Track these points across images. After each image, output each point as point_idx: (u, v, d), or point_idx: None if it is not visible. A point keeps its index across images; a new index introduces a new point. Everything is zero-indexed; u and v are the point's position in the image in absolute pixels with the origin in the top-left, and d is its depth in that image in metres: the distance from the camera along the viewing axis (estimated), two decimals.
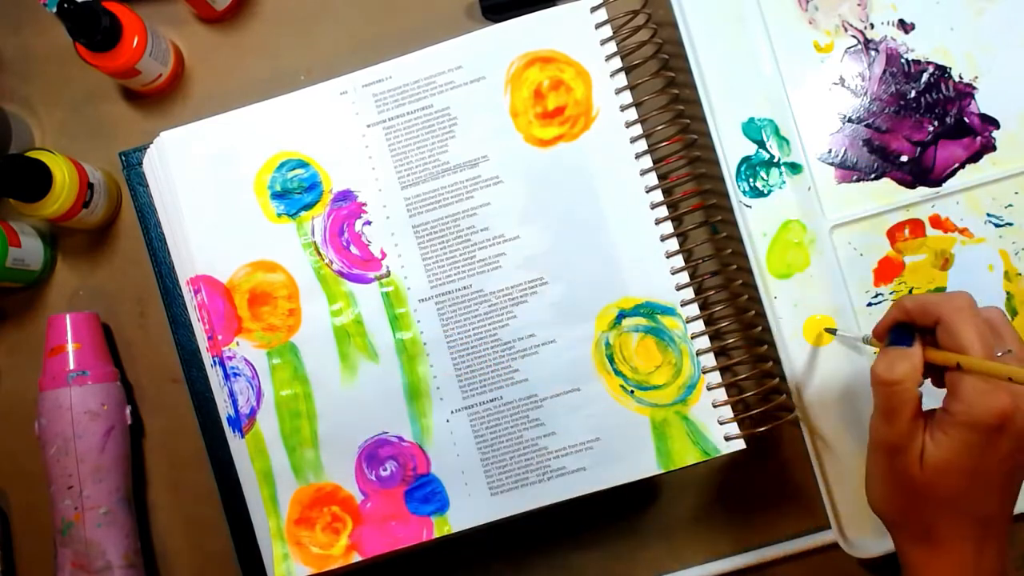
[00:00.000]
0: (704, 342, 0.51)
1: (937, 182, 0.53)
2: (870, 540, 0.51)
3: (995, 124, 0.53)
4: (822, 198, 0.52)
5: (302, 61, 0.58)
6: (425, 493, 0.52)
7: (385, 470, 0.52)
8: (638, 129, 0.52)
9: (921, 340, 0.40)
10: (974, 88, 0.53)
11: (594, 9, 0.53)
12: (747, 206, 0.53)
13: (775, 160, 0.53)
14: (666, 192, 0.53)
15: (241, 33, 0.59)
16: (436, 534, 0.52)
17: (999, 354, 0.40)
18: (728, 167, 0.52)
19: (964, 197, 0.52)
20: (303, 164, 0.53)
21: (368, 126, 0.53)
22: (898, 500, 0.41)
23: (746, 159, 0.53)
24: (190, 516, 0.57)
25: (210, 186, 0.53)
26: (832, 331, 0.51)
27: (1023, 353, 0.41)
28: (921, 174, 0.53)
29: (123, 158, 0.57)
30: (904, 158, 0.53)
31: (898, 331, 0.41)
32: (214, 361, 0.53)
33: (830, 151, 0.53)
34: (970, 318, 0.39)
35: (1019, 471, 0.40)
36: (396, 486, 0.52)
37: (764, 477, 0.55)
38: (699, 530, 0.55)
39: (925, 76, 0.53)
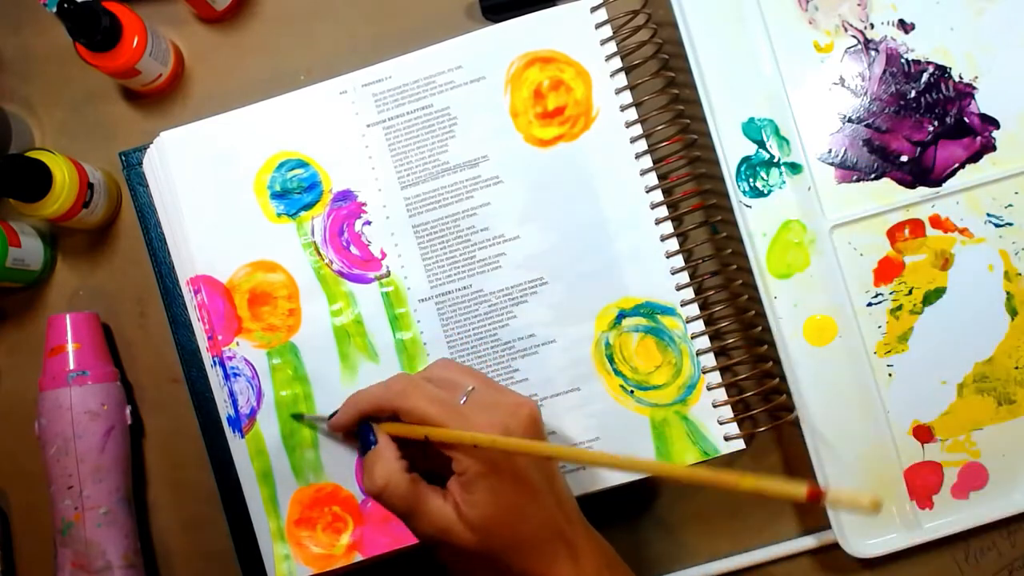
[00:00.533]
0: (704, 342, 0.51)
1: (937, 182, 0.53)
2: (870, 540, 0.51)
3: (995, 124, 0.53)
4: (822, 198, 0.52)
5: (302, 61, 0.58)
6: None
7: None
8: (638, 129, 0.52)
9: (382, 428, 0.43)
10: (974, 88, 0.53)
11: (594, 9, 0.53)
12: (747, 206, 0.52)
13: (775, 160, 0.53)
14: (666, 192, 0.53)
15: (241, 33, 0.59)
16: None
17: (463, 399, 0.42)
18: (728, 167, 0.52)
19: (964, 197, 0.52)
20: (303, 164, 0.53)
21: (368, 126, 0.53)
22: (480, 572, 0.42)
23: (746, 159, 0.53)
24: (190, 516, 0.57)
25: (210, 186, 0.53)
26: (298, 417, 0.52)
27: (483, 382, 0.44)
28: (921, 174, 0.53)
29: (123, 158, 0.57)
30: (904, 158, 0.53)
31: (364, 430, 0.44)
32: (214, 361, 0.53)
33: (830, 151, 0.53)
34: (414, 392, 0.42)
35: (555, 481, 0.42)
36: None
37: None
38: (699, 530, 0.55)
39: (925, 76, 0.53)
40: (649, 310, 0.52)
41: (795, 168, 0.53)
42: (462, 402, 0.42)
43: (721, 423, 0.51)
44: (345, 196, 0.53)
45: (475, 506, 0.40)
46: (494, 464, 0.40)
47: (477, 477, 0.40)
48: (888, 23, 0.53)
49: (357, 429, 0.45)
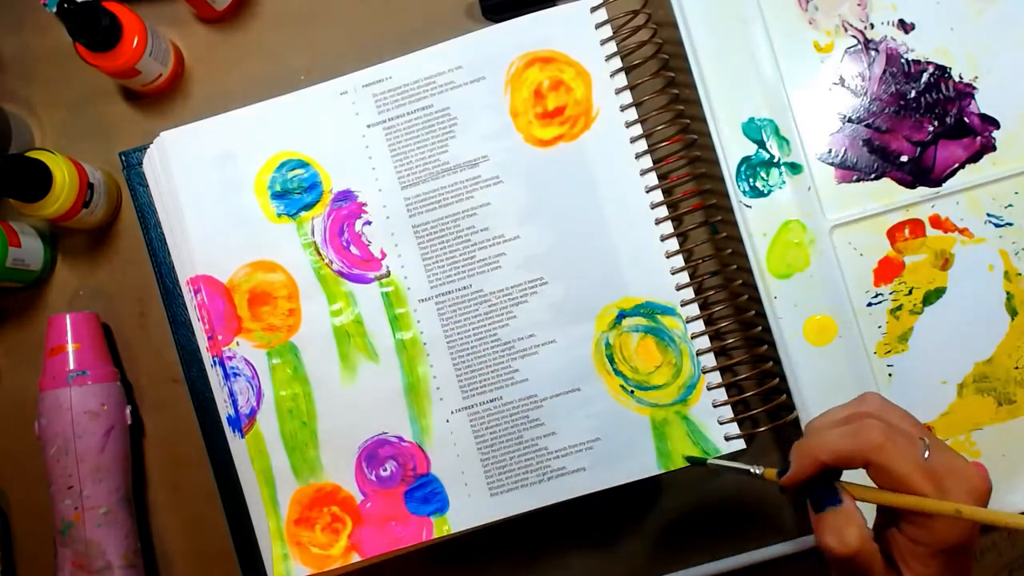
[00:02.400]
0: (704, 342, 0.51)
1: (937, 182, 0.53)
2: None
3: (995, 124, 0.53)
4: (822, 198, 0.52)
5: (302, 61, 0.58)
6: (425, 493, 0.52)
7: (385, 470, 0.52)
8: (638, 129, 0.52)
9: (848, 491, 0.37)
10: (974, 88, 0.53)
11: (594, 9, 0.53)
12: (747, 206, 0.52)
13: (775, 160, 0.53)
14: (666, 192, 0.53)
15: (241, 33, 0.59)
16: (436, 534, 0.52)
17: (925, 456, 0.36)
18: (728, 167, 0.52)
19: (964, 197, 0.52)
20: (303, 164, 0.53)
21: (368, 126, 0.53)
22: None
23: (746, 159, 0.53)
24: (190, 516, 0.57)
25: (210, 186, 0.53)
26: (699, 461, 0.48)
27: (928, 434, 0.37)
28: (921, 174, 0.53)
29: (123, 158, 0.57)
30: (904, 158, 0.53)
31: (818, 488, 0.38)
32: (214, 361, 0.53)
33: (830, 151, 0.53)
34: (894, 448, 0.35)
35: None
36: (396, 486, 0.52)
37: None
38: (699, 530, 0.55)
39: (925, 76, 0.53)
40: (649, 310, 0.52)
41: (795, 168, 0.53)
42: (925, 456, 0.36)
43: (721, 423, 0.51)
44: (345, 196, 0.53)
45: None
46: (956, 544, 0.35)
47: (940, 552, 0.35)
48: (888, 23, 0.53)
49: (807, 483, 0.38)
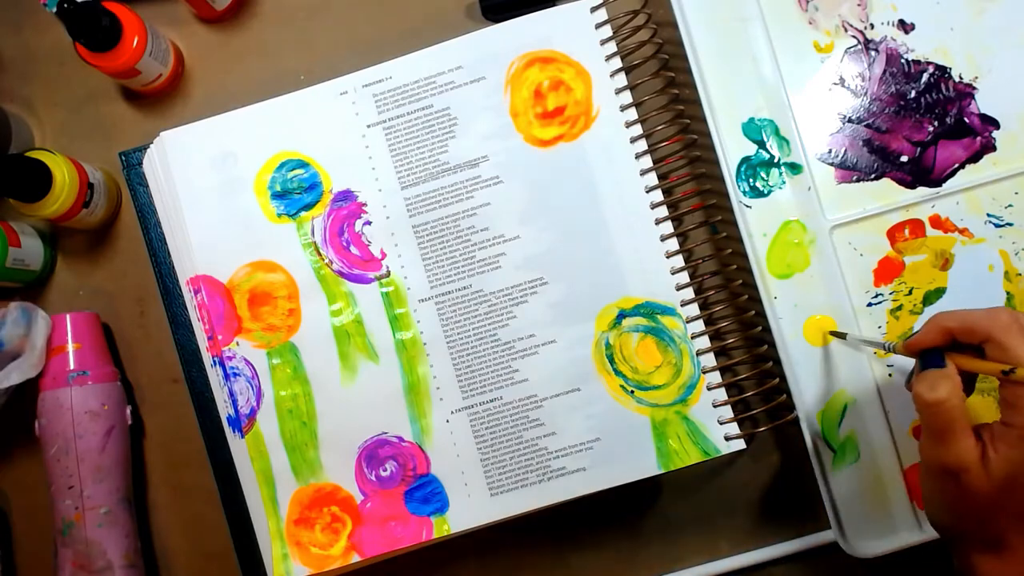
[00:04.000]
0: (704, 342, 0.51)
1: (937, 182, 0.53)
2: (870, 540, 0.51)
3: (995, 124, 0.53)
4: (822, 198, 0.52)
5: (302, 61, 0.58)
6: (425, 493, 0.52)
7: (385, 470, 0.52)
8: (638, 129, 0.52)
9: (952, 356, 0.40)
10: (974, 88, 0.53)
11: (594, 9, 0.53)
12: (747, 206, 0.52)
13: (775, 160, 0.53)
14: (666, 192, 0.53)
15: (241, 33, 0.59)
16: (436, 534, 0.52)
17: None
18: (728, 167, 0.52)
19: (964, 197, 0.52)
20: (303, 164, 0.53)
21: (368, 126, 0.53)
22: (966, 517, 0.40)
23: (746, 159, 0.53)
24: (190, 516, 0.57)
25: (210, 186, 0.53)
26: (840, 335, 0.51)
27: None
28: (921, 174, 0.53)
29: (123, 158, 0.57)
30: (904, 158, 0.53)
31: (928, 353, 0.41)
32: (214, 361, 0.53)
33: (830, 151, 0.53)
34: (1019, 333, 0.38)
35: None
36: (396, 486, 0.52)
37: (764, 477, 0.55)
38: (699, 530, 0.55)
39: (925, 76, 0.53)
40: (649, 310, 0.52)
41: (795, 168, 0.53)
42: None
43: (721, 423, 0.51)
44: (345, 196, 0.53)
45: (1010, 463, 0.38)
46: None
47: None
48: (888, 23, 0.53)
49: (925, 349, 0.41)
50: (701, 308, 0.52)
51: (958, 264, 0.52)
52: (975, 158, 0.53)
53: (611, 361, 0.52)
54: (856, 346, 0.51)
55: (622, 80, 0.52)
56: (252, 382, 0.52)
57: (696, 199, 0.54)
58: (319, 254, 0.53)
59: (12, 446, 0.57)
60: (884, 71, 0.53)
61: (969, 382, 0.41)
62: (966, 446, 0.39)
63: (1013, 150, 0.52)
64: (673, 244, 0.52)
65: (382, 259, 0.53)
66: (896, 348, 0.44)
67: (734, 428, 0.51)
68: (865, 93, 0.53)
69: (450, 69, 0.53)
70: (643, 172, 0.52)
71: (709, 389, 0.51)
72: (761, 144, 0.53)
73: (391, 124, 0.53)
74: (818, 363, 0.52)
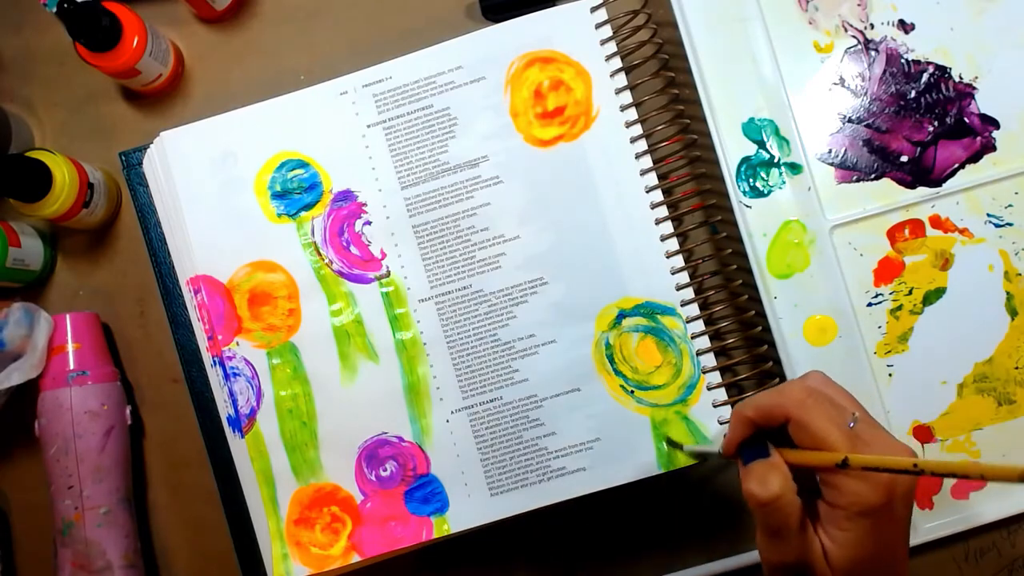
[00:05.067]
0: (704, 342, 0.51)
1: (937, 182, 0.53)
2: None
3: (995, 124, 0.53)
4: (822, 198, 0.52)
5: (302, 61, 0.58)
6: (425, 493, 0.52)
7: (385, 470, 0.52)
8: (638, 129, 0.52)
9: (777, 449, 0.38)
10: (974, 88, 0.53)
11: (594, 9, 0.53)
12: (747, 206, 0.52)
13: (775, 160, 0.53)
14: (666, 192, 0.53)
15: (241, 33, 0.59)
16: (436, 534, 0.52)
17: (850, 425, 0.37)
18: (728, 167, 0.52)
19: (964, 197, 0.52)
20: (303, 164, 0.53)
21: (368, 126, 0.53)
22: None
23: (746, 159, 0.53)
24: (190, 516, 0.57)
25: (210, 186, 0.53)
26: (677, 445, 0.50)
27: (863, 412, 0.38)
28: (921, 174, 0.53)
29: (123, 158, 0.57)
30: (904, 158, 0.53)
31: (749, 444, 0.39)
32: (214, 361, 0.53)
33: (830, 151, 0.53)
34: (815, 407, 0.37)
35: (908, 522, 0.39)
36: (396, 486, 0.52)
37: None
38: (699, 530, 0.55)
39: (925, 76, 0.53)
40: (649, 310, 0.52)
41: (795, 168, 0.53)
42: (850, 427, 0.37)
43: (722, 423, 0.51)
44: (345, 196, 0.53)
45: (844, 546, 0.36)
46: (882, 505, 0.36)
47: (858, 515, 0.36)
48: (888, 23, 0.53)
49: (741, 444, 0.39)
50: (701, 308, 0.52)
51: (958, 264, 0.52)
52: (975, 158, 0.53)
53: (611, 361, 0.52)
54: (694, 455, 0.49)
55: (622, 80, 0.52)
56: (252, 382, 0.52)
57: (696, 199, 0.54)
58: (319, 254, 0.53)
59: (12, 446, 0.57)
60: (884, 71, 0.53)
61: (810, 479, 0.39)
62: (804, 543, 0.37)
63: (1013, 150, 0.52)
64: (673, 244, 0.52)
65: (382, 259, 0.53)
66: (722, 455, 0.41)
67: None
68: (865, 93, 0.53)
69: (450, 69, 0.53)
70: (643, 172, 0.52)
71: (709, 389, 0.51)
72: (761, 144, 0.53)
73: (391, 124, 0.53)
74: (818, 363, 0.52)
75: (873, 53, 0.53)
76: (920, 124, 0.53)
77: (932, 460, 0.34)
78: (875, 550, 0.37)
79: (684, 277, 0.52)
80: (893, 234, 0.52)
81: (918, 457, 0.35)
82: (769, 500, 0.37)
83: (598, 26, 0.52)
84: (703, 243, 0.54)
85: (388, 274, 0.53)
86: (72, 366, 0.53)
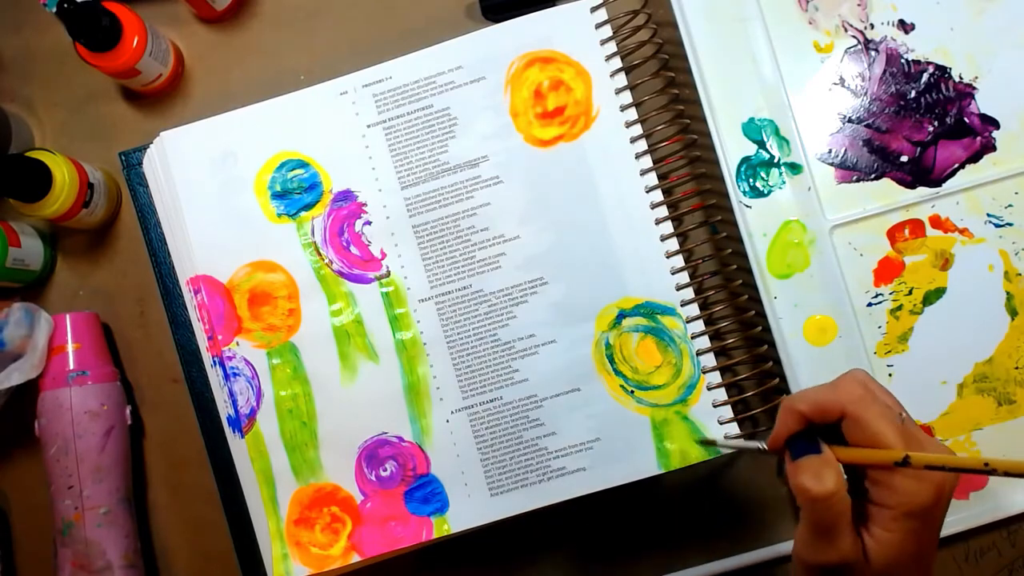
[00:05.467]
0: (704, 342, 0.51)
1: (937, 182, 0.53)
2: None
3: (995, 124, 0.53)
4: (822, 198, 0.52)
5: (302, 61, 0.58)
6: (425, 493, 0.52)
7: (385, 470, 0.52)
8: (638, 129, 0.52)
9: (829, 446, 0.37)
10: (974, 88, 0.53)
11: (594, 9, 0.53)
12: (747, 206, 0.52)
13: (775, 160, 0.53)
14: (666, 192, 0.53)
15: (241, 33, 0.59)
16: (436, 534, 0.52)
17: (900, 420, 0.37)
18: (728, 167, 0.52)
19: (964, 197, 0.52)
20: (303, 164, 0.53)
21: (368, 126, 0.53)
22: None
23: (746, 159, 0.53)
24: (190, 516, 0.57)
25: (210, 186, 0.53)
26: (710, 442, 0.49)
27: (907, 414, 0.38)
28: (921, 174, 0.53)
29: (123, 158, 0.57)
30: (904, 158, 0.53)
31: (799, 439, 0.38)
32: (214, 361, 0.53)
33: (830, 151, 0.53)
34: (873, 405, 0.36)
35: (942, 524, 0.38)
36: (396, 486, 0.52)
37: (764, 477, 0.55)
38: (699, 530, 0.55)
39: (925, 76, 0.53)
40: (649, 310, 0.52)
41: (795, 168, 0.53)
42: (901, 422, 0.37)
43: (721, 423, 0.51)
44: (345, 196, 0.53)
45: (887, 545, 0.36)
46: (931, 506, 0.35)
47: (905, 516, 0.35)
48: (888, 23, 0.53)
49: (792, 437, 0.38)
50: (701, 308, 0.52)
51: (958, 264, 0.52)
52: (975, 158, 0.53)
53: (611, 361, 0.52)
54: (733, 448, 0.49)
55: (622, 80, 0.52)
56: (252, 382, 0.52)
57: (696, 199, 0.54)
58: (319, 254, 0.53)
59: (12, 446, 0.57)
60: (884, 71, 0.53)
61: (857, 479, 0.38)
62: (851, 542, 0.36)
63: (1013, 150, 0.52)
64: (673, 244, 0.52)
65: (382, 259, 0.53)
66: (765, 449, 0.40)
67: (734, 428, 0.51)
68: (865, 93, 0.53)
69: (450, 69, 0.53)
70: (643, 172, 0.52)
71: (709, 389, 0.51)
72: (761, 144, 0.53)
73: (391, 124, 0.53)
74: (818, 363, 0.52)
75: (873, 53, 0.53)
76: (920, 124, 0.53)
77: (1003, 460, 0.33)
78: (914, 551, 0.36)
79: (684, 277, 0.52)
80: (893, 234, 0.52)
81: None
82: (824, 496, 0.36)
83: (598, 26, 0.52)
84: (703, 243, 0.54)
85: (388, 274, 0.53)
86: (72, 366, 0.53)
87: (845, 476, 0.36)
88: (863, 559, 0.36)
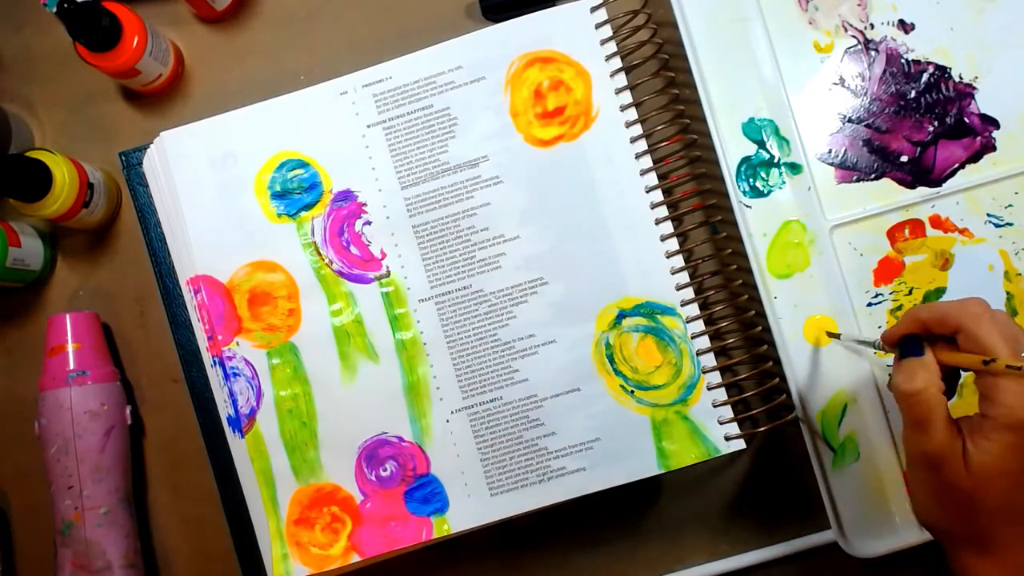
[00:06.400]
0: (704, 342, 0.51)
1: (937, 182, 0.53)
2: (870, 540, 0.51)
3: (995, 124, 0.53)
4: (822, 198, 0.52)
5: (302, 61, 0.58)
6: (425, 493, 0.52)
7: (385, 470, 0.52)
8: (638, 129, 0.52)
9: (931, 348, 0.40)
10: (974, 88, 0.53)
11: (594, 9, 0.53)
12: (747, 206, 0.52)
13: (775, 160, 0.53)
14: (666, 192, 0.53)
15: (241, 33, 0.59)
16: (436, 534, 0.52)
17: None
18: (728, 167, 0.52)
19: (964, 197, 0.52)
20: (303, 164, 0.53)
21: (368, 126, 0.53)
22: (949, 511, 0.40)
23: (746, 159, 0.53)
24: (190, 516, 0.57)
25: (210, 186, 0.53)
26: (834, 335, 0.51)
27: None
28: (921, 174, 0.53)
29: (123, 158, 0.57)
30: (904, 158, 0.53)
31: (906, 342, 0.41)
32: (214, 361, 0.53)
33: (830, 151, 0.53)
34: (990, 322, 0.38)
35: None
36: (396, 486, 0.52)
37: (764, 477, 0.55)
38: (699, 530, 0.55)
39: (925, 76, 0.53)
40: (649, 310, 0.52)
41: (795, 168, 0.53)
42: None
43: (721, 423, 0.51)
44: (345, 196, 0.53)
45: (987, 454, 0.38)
46: (1021, 421, 0.37)
47: (1005, 428, 0.37)
48: (888, 23, 0.53)
49: (902, 339, 0.41)
50: (701, 308, 0.52)
51: (958, 264, 0.52)
52: (975, 158, 0.53)
53: (611, 361, 0.52)
54: (851, 347, 0.51)
55: (622, 80, 0.52)
56: (252, 382, 0.52)
57: (696, 199, 0.54)
58: (319, 254, 0.53)
59: (12, 446, 0.57)
60: (884, 71, 0.53)
61: (952, 382, 0.41)
62: (945, 437, 0.39)
63: (1013, 150, 0.52)
64: (673, 244, 0.52)
65: (382, 259, 0.53)
66: (877, 345, 0.44)
67: (734, 428, 0.51)
68: (865, 93, 0.53)
69: (450, 69, 0.53)
70: (643, 172, 0.52)
71: (709, 389, 0.51)
72: (761, 144, 0.53)
73: (391, 124, 0.53)
74: (818, 363, 0.52)
75: (873, 53, 0.53)
76: (920, 124, 0.53)
77: None
78: (1017, 468, 0.38)
79: (684, 277, 0.52)
80: (893, 234, 0.52)
81: None
82: (912, 392, 0.39)
83: (598, 26, 0.52)
84: (703, 243, 0.54)
85: (388, 274, 0.53)
86: (72, 366, 0.53)
87: (943, 380, 0.39)
88: (959, 459, 0.38)
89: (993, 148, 0.53)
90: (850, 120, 0.53)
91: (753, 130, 0.53)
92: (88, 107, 0.59)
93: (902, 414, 0.40)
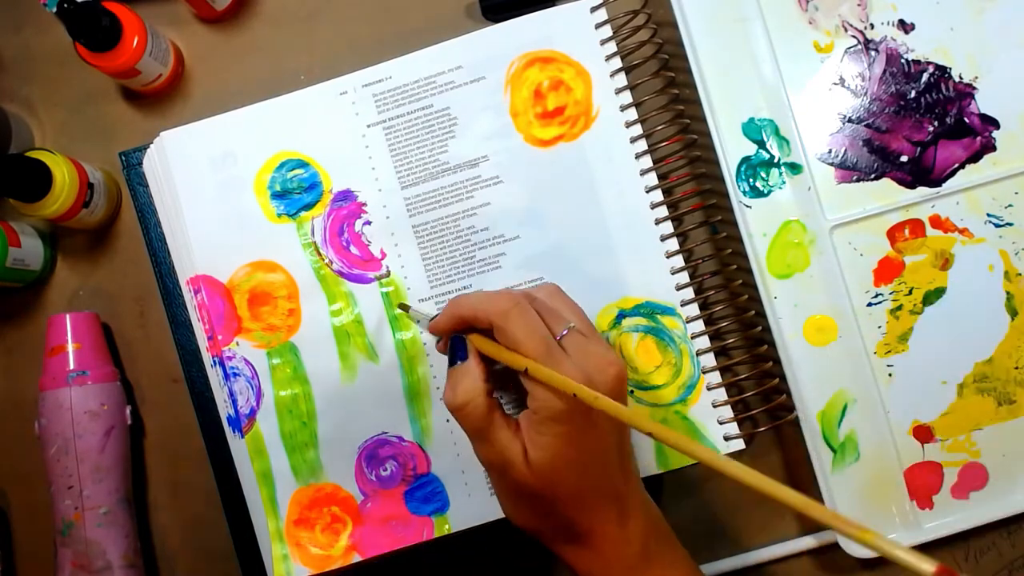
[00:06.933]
0: (704, 342, 0.51)
1: (937, 182, 0.53)
2: None
3: (995, 124, 0.53)
4: (822, 198, 0.52)
5: (302, 61, 0.58)
6: (425, 493, 0.52)
7: (385, 470, 0.52)
8: (638, 129, 0.52)
9: (477, 350, 0.42)
10: (974, 88, 0.53)
11: (594, 9, 0.53)
12: (747, 206, 0.52)
13: (775, 160, 0.53)
14: (666, 192, 0.53)
15: (241, 33, 0.59)
16: (436, 534, 0.52)
17: (564, 332, 0.40)
18: (728, 167, 0.52)
19: (964, 197, 0.52)
20: (303, 164, 0.53)
21: (368, 126, 0.53)
22: (531, 511, 0.41)
23: (746, 159, 0.53)
24: (190, 516, 0.57)
25: (210, 186, 0.53)
26: (404, 307, 0.51)
27: (584, 324, 0.42)
28: (921, 174, 0.53)
29: (123, 158, 0.57)
30: (904, 158, 0.53)
31: (453, 345, 0.42)
32: (214, 361, 0.53)
33: (830, 151, 0.53)
34: (517, 318, 0.40)
35: (625, 442, 0.41)
36: (396, 486, 0.52)
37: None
38: (699, 530, 0.55)
39: (925, 76, 0.53)
40: (649, 310, 0.52)
41: (795, 168, 0.53)
42: (559, 338, 0.40)
43: (721, 423, 0.51)
44: (345, 196, 0.53)
45: (542, 449, 0.39)
46: (570, 412, 0.38)
47: (550, 420, 0.39)
48: (888, 23, 0.53)
49: (451, 341, 0.43)
50: (701, 308, 0.52)
51: (958, 264, 0.52)
52: (975, 158, 0.53)
53: None
54: (416, 316, 0.51)
55: (622, 80, 0.52)
56: (252, 382, 0.52)
57: (696, 199, 0.54)
58: (319, 254, 0.53)
59: (12, 446, 0.57)
60: (884, 71, 0.53)
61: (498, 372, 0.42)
62: (501, 442, 0.40)
63: (1013, 150, 0.52)
64: (673, 244, 0.52)
65: (382, 259, 0.53)
66: (425, 327, 0.45)
67: (734, 428, 0.51)
68: (865, 93, 0.53)
69: (450, 69, 0.53)
70: (643, 172, 0.52)
71: (709, 389, 0.51)
72: (761, 144, 0.53)
73: (391, 124, 0.53)
74: (818, 363, 0.52)
75: (873, 53, 0.53)
76: (920, 124, 0.53)
77: (608, 400, 0.37)
78: (574, 456, 0.39)
79: (684, 277, 0.52)
80: (893, 234, 0.52)
81: (616, 371, 0.39)
82: (457, 407, 0.40)
83: (598, 26, 0.52)
84: (703, 243, 0.54)
85: (388, 274, 0.53)
86: (72, 366, 0.53)
87: (490, 384, 0.41)
88: (523, 459, 0.39)
89: (993, 148, 0.53)
90: (850, 120, 0.53)
91: (753, 130, 0.53)
92: (88, 107, 0.59)
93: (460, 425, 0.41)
